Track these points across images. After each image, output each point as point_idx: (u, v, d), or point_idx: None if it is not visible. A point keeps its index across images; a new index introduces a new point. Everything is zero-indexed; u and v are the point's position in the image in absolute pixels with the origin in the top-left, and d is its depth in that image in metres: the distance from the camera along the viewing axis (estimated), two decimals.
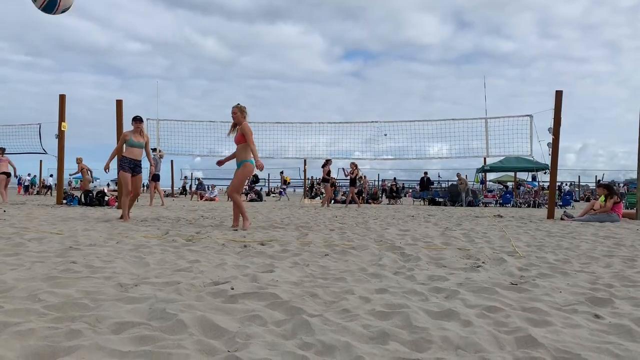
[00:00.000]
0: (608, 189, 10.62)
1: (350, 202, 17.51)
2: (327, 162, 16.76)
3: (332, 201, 21.19)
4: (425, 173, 15.72)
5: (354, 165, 16.66)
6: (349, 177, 16.61)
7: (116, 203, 12.51)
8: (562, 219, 10.48)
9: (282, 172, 34.47)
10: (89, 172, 16.45)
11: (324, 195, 18.24)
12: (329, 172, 16.95)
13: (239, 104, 7.05)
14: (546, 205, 14.11)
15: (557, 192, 16.55)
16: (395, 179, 25.50)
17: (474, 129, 13.38)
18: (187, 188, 31.99)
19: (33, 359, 1.70)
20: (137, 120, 8.22)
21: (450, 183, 29.02)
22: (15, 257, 3.83)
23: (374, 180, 41.21)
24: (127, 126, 12.54)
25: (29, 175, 33.27)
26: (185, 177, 36.28)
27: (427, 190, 15.63)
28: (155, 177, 14.52)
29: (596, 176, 38.69)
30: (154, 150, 14.76)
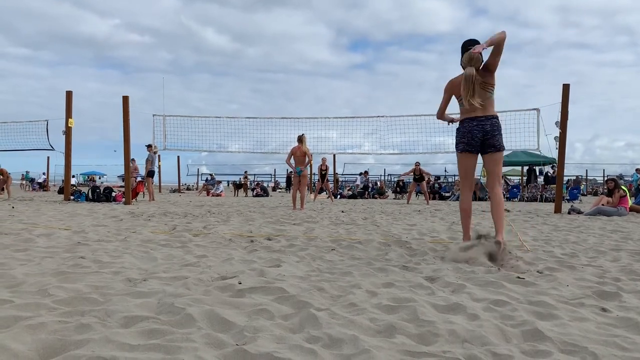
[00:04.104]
0: (614, 182, 10.57)
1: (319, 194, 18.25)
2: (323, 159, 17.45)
3: (338, 196, 21.23)
4: (417, 163, 15.68)
5: (324, 160, 17.35)
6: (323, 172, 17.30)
7: (123, 199, 12.58)
8: (569, 213, 10.44)
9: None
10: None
11: (326, 190, 18.67)
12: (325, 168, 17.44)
13: None
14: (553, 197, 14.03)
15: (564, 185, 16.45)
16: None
17: None
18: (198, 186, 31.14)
19: (44, 352, 1.72)
20: None
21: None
22: (24, 253, 3.87)
23: (380, 175, 41.24)
24: (134, 123, 12.63)
25: (27, 173, 33.51)
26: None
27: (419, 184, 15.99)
28: (150, 173, 14.82)
29: (604, 170, 38.43)
30: (149, 146, 14.85)
